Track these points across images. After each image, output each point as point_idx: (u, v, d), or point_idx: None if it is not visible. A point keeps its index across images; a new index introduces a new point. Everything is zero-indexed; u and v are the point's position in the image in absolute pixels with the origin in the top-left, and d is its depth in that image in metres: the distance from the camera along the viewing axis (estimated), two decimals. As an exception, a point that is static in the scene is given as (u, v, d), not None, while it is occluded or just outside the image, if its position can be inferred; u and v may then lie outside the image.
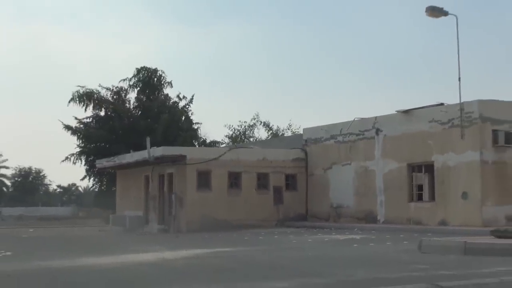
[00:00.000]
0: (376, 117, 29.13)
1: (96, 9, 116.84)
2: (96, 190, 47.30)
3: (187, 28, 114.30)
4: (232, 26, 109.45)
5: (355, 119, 30.45)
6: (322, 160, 31.58)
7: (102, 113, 43.53)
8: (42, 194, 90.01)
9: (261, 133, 54.67)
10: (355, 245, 18.15)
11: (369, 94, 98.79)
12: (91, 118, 43.57)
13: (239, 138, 53.23)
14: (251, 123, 54.29)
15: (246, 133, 54.03)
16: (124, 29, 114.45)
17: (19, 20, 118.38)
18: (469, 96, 23.87)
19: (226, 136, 53.55)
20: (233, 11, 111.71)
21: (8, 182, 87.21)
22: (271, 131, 54.04)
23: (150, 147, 29.95)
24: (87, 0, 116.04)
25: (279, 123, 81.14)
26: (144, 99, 44.10)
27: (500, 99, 26.03)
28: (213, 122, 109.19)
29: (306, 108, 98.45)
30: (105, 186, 44.31)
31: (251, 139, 52.41)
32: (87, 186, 53.29)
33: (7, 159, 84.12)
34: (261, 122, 54.34)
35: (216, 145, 46.01)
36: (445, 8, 25.19)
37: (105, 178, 43.42)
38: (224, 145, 48.11)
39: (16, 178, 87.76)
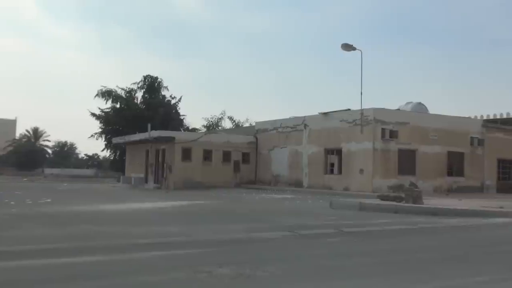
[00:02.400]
0: (304, 116, 29.20)
1: (117, 37, 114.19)
2: (112, 158, 46.49)
3: (178, 49, 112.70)
4: (207, 49, 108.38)
5: (290, 117, 30.58)
6: (267, 144, 31.60)
7: (118, 106, 42.84)
8: (73, 160, 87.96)
9: (227, 124, 54.47)
10: (286, 202, 18.26)
11: (301, 100, 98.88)
12: (110, 109, 42.83)
13: (211, 127, 52.92)
14: (220, 117, 54.09)
15: (219, 124, 53.76)
16: (138, 48, 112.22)
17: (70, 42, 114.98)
18: (368, 104, 24.15)
19: (202, 125, 53.24)
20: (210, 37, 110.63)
21: (50, 151, 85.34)
22: (234, 123, 53.86)
23: (150, 131, 29.65)
24: (100, 31, 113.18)
25: (240, 117, 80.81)
26: (148, 97, 43.56)
27: (388, 107, 26.49)
28: (194, 115, 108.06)
29: (258, 107, 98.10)
30: (118, 156, 43.66)
31: (219, 128, 52.19)
32: (106, 155, 52.22)
33: (49, 135, 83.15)
34: (228, 117, 54.14)
35: (195, 131, 45.69)
36: (355, 44, 25.41)
37: (119, 150, 42.76)
38: (201, 131, 47.78)
39: (55, 148, 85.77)
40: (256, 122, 34.08)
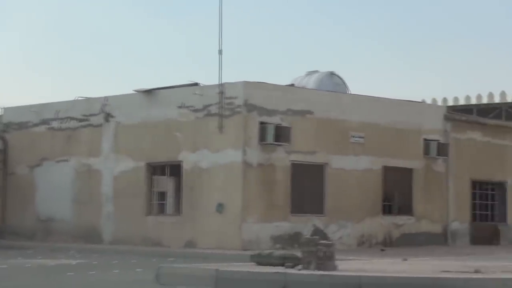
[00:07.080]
0: (106, 97, 29.10)
1: None
2: None
3: None
4: None
5: (78, 98, 30.28)
6: (28, 153, 31.08)
7: None
8: None
9: None
10: (69, 273, 17.95)
11: (94, 66, 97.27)
12: None
13: None
14: None
15: None
16: None
17: None
18: (233, 75, 24.41)
19: None
20: None
21: None
22: None
23: None
24: None
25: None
26: None
27: (271, 82, 26.95)
28: None
29: (8, 78, 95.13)
30: None
31: None
32: None
33: None
34: None
35: None
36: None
37: None
38: None
39: None
40: (5, 109, 33.33)
